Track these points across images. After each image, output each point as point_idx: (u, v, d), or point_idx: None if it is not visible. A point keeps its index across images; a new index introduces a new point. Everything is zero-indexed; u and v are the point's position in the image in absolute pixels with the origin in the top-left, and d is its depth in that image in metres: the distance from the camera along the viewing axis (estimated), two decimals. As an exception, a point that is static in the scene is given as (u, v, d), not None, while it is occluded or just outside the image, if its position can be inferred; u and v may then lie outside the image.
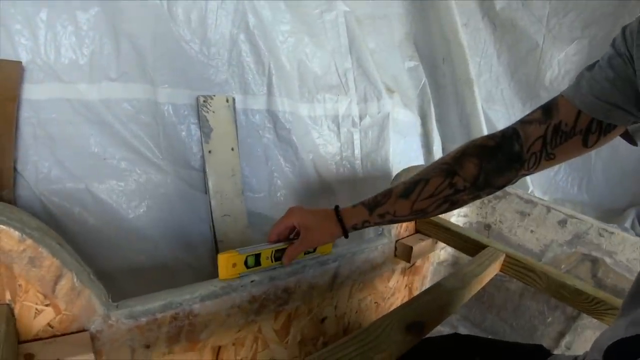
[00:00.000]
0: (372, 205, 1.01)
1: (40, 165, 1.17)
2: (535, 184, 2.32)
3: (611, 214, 2.25)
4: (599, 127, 0.78)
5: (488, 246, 1.38)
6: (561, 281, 1.25)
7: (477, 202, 1.83)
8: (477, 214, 1.88)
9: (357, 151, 1.96)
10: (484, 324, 1.94)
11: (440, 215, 1.48)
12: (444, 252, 1.90)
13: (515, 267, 1.36)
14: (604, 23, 1.96)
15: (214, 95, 1.45)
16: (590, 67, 0.77)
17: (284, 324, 1.20)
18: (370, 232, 1.98)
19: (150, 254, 1.37)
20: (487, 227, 1.88)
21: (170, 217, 1.40)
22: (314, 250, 1.15)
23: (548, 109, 0.83)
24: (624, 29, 0.70)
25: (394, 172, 1.95)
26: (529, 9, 2.11)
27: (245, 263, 1.01)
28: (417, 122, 2.34)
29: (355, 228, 1.05)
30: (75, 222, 1.24)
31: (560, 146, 0.82)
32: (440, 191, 0.92)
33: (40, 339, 0.77)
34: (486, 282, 1.26)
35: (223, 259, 0.98)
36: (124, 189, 1.31)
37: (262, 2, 1.53)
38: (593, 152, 2.07)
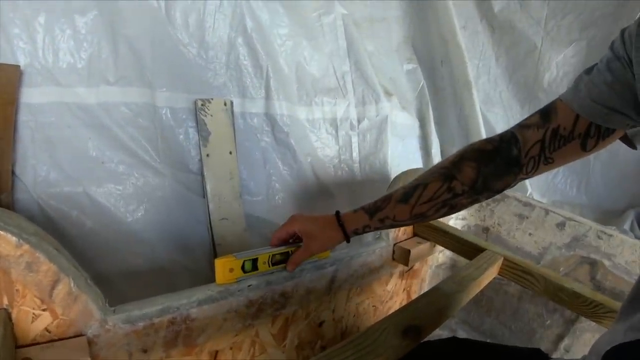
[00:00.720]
0: (372, 210, 1.01)
1: (38, 169, 1.17)
2: (533, 187, 2.32)
3: (610, 216, 2.25)
4: (597, 131, 0.78)
5: (486, 249, 1.37)
6: (559, 284, 1.25)
7: (476, 205, 1.82)
8: (476, 217, 1.88)
9: (355, 154, 1.96)
10: (482, 327, 1.93)
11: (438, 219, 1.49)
12: (442, 255, 1.90)
13: (513, 270, 1.35)
14: (603, 25, 1.96)
15: (212, 99, 1.45)
16: (589, 71, 0.77)
17: (282, 328, 1.20)
18: (368, 235, 1.98)
19: (148, 257, 1.37)
20: (486, 230, 1.88)
21: (168, 221, 1.40)
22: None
23: (546, 113, 0.83)
24: (622, 32, 0.69)
25: (393, 175, 1.94)
26: (527, 11, 2.11)
27: (243, 268, 1.01)
28: (416, 124, 2.34)
29: (356, 233, 1.05)
30: (73, 225, 1.24)
31: (559, 150, 0.82)
32: (438, 195, 0.93)
33: (38, 343, 0.77)
34: (484, 285, 1.26)
35: (220, 264, 0.98)
36: (122, 192, 1.31)
37: (260, 5, 1.53)
38: (592, 155, 2.07)
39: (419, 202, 0.94)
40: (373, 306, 1.52)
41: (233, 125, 1.50)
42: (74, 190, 1.23)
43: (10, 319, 0.74)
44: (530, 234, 1.77)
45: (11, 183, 1.13)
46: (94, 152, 1.26)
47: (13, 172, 1.13)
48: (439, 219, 1.46)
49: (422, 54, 2.32)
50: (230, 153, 1.49)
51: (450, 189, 0.92)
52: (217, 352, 1.05)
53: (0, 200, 1.08)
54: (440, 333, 1.79)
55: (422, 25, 2.25)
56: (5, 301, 0.73)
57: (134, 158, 1.33)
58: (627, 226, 2.15)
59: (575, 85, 0.79)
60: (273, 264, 1.07)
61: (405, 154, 2.22)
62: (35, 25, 1.13)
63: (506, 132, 0.89)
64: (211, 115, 1.44)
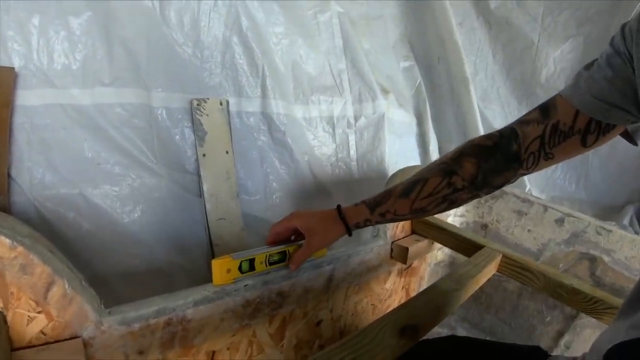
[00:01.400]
0: (373, 204, 1.01)
1: (34, 171, 1.17)
2: (532, 182, 2.32)
3: (609, 211, 2.25)
4: (597, 126, 0.77)
5: (485, 246, 1.37)
6: (558, 280, 1.25)
7: (474, 201, 1.82)
8: (474, 214, 1.87)
9: (352, 152, 1.96)
10: (482, 324, 1.93)
11: (436, 216, 1.49)
12: (440, 252, 1.89)
13: (512, 267, 1.35)
14: (599, 21, 1.96)
15: (208, 99, 1.45)
16: (589, 66, 0.77)
17: (279, 328, 1.19)
18: (366, 234, 1.98)
19: (145, 258, 1.37)
20: (484, 226, 1.87)
21: (165, 221, 1.40)
22: None
23: (546, 109, 0.82)
24: (623, 27, 0.69)
25: (390, 173, 1.93)
26: (524, 8, 2.11)
27: (240, 268, 1.01)
28: (413, 122, 2.34)
29: (357, 226, 1.05)
30: (70, 227, 1.23)
31: (559, 146, 0.82)
32: (438, 190, 0.93)
33: (33, 346, 0.77)
34: (483, 282, 1.26)
35: (217, 265, 0.97)
36: (118, 193, 1.31)
37: (255, 4, 1.53)
38: (591, 150, 2.06)
39: (419, 197, 0.94)
40: (371, 305, 1.52)
41: (229, 125, 1.50)
42: (70, 192, 1.23)
43: (5, 321, 0.73)
44: (529, 230, 1.76)
45: (7, 186, 1.12)
46: (89, 153, 1.25)
47: (9, 175, 1.13)
48: (437, 216, 1.48)
49: (418, 51, 2.32)
50: (227, 152, 1.48)
51: (450, 184, 0.92)
52: (214, 352, 1.05)
53: (-4, 203, 1.08)
54: (439, 331, 1.79)
55: (419, 22, 2.25)
56: (0, 304, 0.72)
57: (130, 159, 1.32)
58: (626, 221, 2.15)
59: (575, 81, 0.78)
60: (270, 264, 1.06)
61: (402, 151, 2.22)
62: (29, 27, 1.12)
63: (506, 127, 0.89)
64: (207, 115, 1.44)
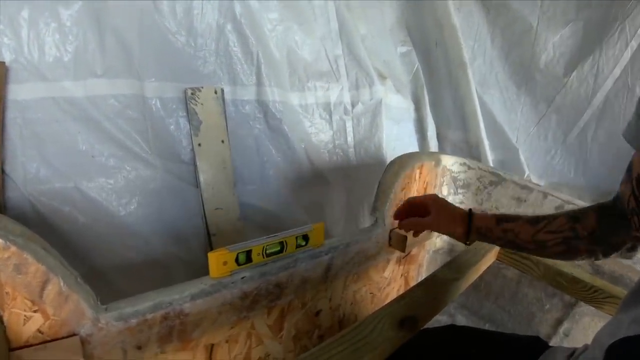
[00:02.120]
0: (502, 218, 1.01)
1: (28, 166, 1.17)
2: (531, 168, 2.30)
3: (608, 197, 2.24)
4: None
5: None
6: (558, 269, 1.25)
7: (472, 188, 1.82)
8: (472, 201, 1.86)
9: (350, 139, 1.95)
10: (481, 311, 1.93)
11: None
12: (439, 240, 1.89)
13: (511, 255, 1.35)
14: (598, 6, 1.93)
15: (202, 87, 1.44)
16: None
17: (277, 319, 1.19)
18: (363, 222, 1.98)
19: (142, 251, 1.37)
20: (483, 213, 1.86)
21: (161, 212, 1.39)
22: (306, 243, 1.14)
23: (629, 167, 0.82)
24: None
25: (388, 159, 1.93)
26: (523, -9, 2.09)
27: (237, 260, 1.00)
28: (411, 107, 2.33)
29: (478, 232, 1.03)
30: (66, 221, 1.24)
31: None
32: (562, 230, 0.93)
33: (31, 345, 0.76)
34: (482, 271, 1.25)
35: (213, 258, 0.96)
36: (114, 186, 1.31)
37: (248, -10, 1.51)
38: (589, 135, 2.06)
39: (544, 229, 0.94)
40: (370, 293, 1.51)
41: (225, 114, 1.49)
42: (64, 186, 1.23)
43: (2, 322, 0.73)
44: None
45: (1, 182, 1.12)
46: (83, 146, 1.25)
47: (3, 171, 1.14)
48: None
49: (416, 36, 2.31)
50: (223, 142, 1.47)
51: (572, 229, 0.92)
52: (212, 345, 1.04)
53: (-10, 199, 1.07)
54: (439, 318, 1.78)
55: (416, 6, 2.23)
56: (-4, 304, 0.72)
57: (125, 150, 1.32)
58: (625, 208, 2.13)
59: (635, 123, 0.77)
60: (267, 255, 1.05)
61: (400, 137, 2.21)
62: (19, 20, 1.11)
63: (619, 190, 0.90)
64: (202, 104, 1.43)
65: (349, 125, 1.94)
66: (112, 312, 0.83)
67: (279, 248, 1.08)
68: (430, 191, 1.62)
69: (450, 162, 1.75)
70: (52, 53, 1.17)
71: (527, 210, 1.75)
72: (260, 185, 1.64)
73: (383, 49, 2.17)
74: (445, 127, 2.45)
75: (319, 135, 1.83)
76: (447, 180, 1.76)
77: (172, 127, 1.40)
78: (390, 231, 1.42)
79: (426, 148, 2.39)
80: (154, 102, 1.36)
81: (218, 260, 0.96)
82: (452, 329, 1.15)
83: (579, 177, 2.24)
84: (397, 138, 2.18)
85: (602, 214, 0.90)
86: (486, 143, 2.30)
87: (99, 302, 0.82)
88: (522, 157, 2.28)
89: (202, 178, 1.42)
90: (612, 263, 1.51)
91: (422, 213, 1.11)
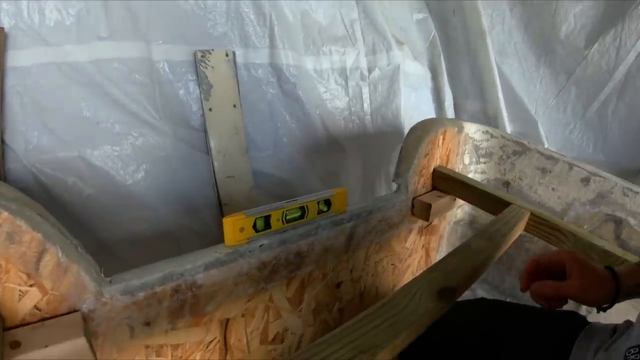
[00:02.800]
0: None
1: (29, 135, 1.13)
2: (550, 141, 2.28)
3: (628, 175, 2.18)
4: None
5: (511, 204, 1.30)
6: (589, 241, 1.18)
7: (495, 157, 1.75)
8: (495, 170, 1.80)
9: (366, 106, 1.90)
10: (502, 285, 1.88)
11: (458, 170, 1.40)
12: (460, 210, 1.83)
13: (540, 226, 1.28)
14: (621, -24, 1.89)
15: (213, 50, 1.38)
16: None
17: (297, 291, 1.13)
18: (381, 191, 1.93)
19: (151, 222, 1.34)
20: (506, 184, 1.80)
21: (170, 181, 1.36)
22: (328, 209, 1.07)
23: None
24: None
25: (406, 128, 1.90)
26: (544, -43, 2.04)
27: (254, 226, 0.93)
28: (428, 76, 2.29)
29: (628, 292, 0.85)
30: (70, 192, 1.20)
31: None
32: None
33: (28, 323, 0.69)
34: (512, 242, 1.17)
35: (229, 223, 0.89)
36: (120, 153, 1.27)
37: (262, -52, 1.45)
38: (609, 110, 2.03)
39: None
40: (392, 264, 1.46)
41: (236, 77, 1.44)
42: (68, 155, 1.19)
43: (-6, 298, 0.66)
44: (553, 189, 1.69)
45: (1, 153, 1.09)
46: (87, 113, 1.21)
47: (2, 141, 1.09)
48: (459, 171, 1.40)
49: (433, 2, 2.26)
50: (235, 106, 1.43)
51: None
52: (228, 320, 0.99)
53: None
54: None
55: (433, -28, 2.18)
56: (-14, 278, 0.64)
57: (131, 116, 1.28)
58: (647, 184, 2.09)
59: None
60: (287, 222, 0.99)
61: (418, 106, 2.18)
62: (18, -16, 1.07)
63: None
64: (212, 67, 1.37)
65: (366, 92, 1.89)
66: (117, 285, 0.75)
67: (299, 214, 1.00)
68: (452, 160, 1.55)
69: (472, 129, 1.68)
70: (53, 17, 1.12)
71: (552, 181, 1.68)
72: (274, 152, 1.59)
73: (399, 15, 2.12)
74: (463, 97, 2.40)
75: (335, 102, 1.78)
76: (468, 148, 1.69)
77: (181, 91, 1.35)
78: (414, 199, 1.36)
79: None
80: (161, 66, 1.31)
81: (234, 226, 0.89)
82: (483, 302, 1.11)
83: (598, 153, 2.22)
84: (414, 106, 2.13)
85: None
86: (505, 114, 2.25)
87: (102, 275, 0.75)
88: (541, 130, 2.23)
89: (213, 144, 1.38)
90: (639, 239, 1.48)
91: (553, 274, 0.89)
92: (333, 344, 0.59)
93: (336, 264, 1.21)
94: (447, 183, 1.45)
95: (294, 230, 1.01)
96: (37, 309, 0.69)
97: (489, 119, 2.29)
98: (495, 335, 0.95)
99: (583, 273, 0.82)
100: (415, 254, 1.58)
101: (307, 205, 1.01)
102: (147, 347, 0.85)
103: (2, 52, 1.05)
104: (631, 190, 1.51)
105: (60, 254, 0.67)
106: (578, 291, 0.81)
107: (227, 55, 1.41)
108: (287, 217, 0.98)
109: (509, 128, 2.27)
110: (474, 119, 2.34)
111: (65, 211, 1.19)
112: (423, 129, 1.35)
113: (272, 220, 0.95)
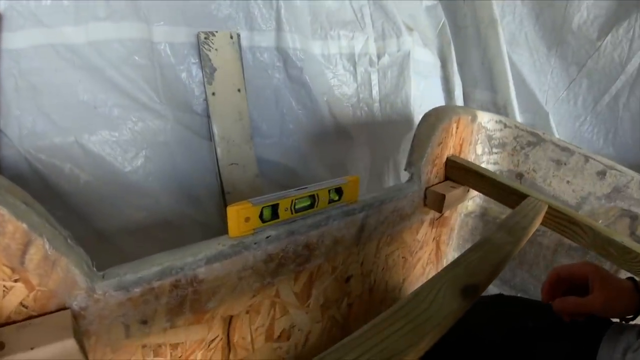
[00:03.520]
0: None
1: (23, 120, 1.11)
2: (560, 134, 2.27)
3: (638, 170, 2.16)
4: None
5: (528, 196, 1.25)
6: (608, 237, 1.14)
7: (508, 148, 1.70)
8: (509, 162, 1.76)
9: (375, 93, 1.87)
10: (513, 280, 1.85)
11: (471, 160, 1.35)
12: (472, 202, 1.80)
13: (557, 219, 1.23)
14: (635, -33, 1.89)
15: (217, 32, 1.35)
16: None
17: (305, 286, 1.08)
18: (389, 181, 1.90)
19: (151, 210, 1.31)
20: (519, 176, 1.75)
21: (171, 168, 1.34)
22: (339, 198, 1.01)
23: None
24: None
25: (416, 116, 1.87)
26: (556, -55, 2.05)
27: (261, 216, 0.87)
28: (437, 64, 2.27)
29: None
30: (67, 180, 1.17)
31: None
32: None
33: (13, 322, 0.63)
34: (530, 235, 1.12)
35: (233, 213, 0.83)
36: (118, 139, 1.24)
37: None
38: (621, 103, 2.02)
39: None
40: (402, 257, 1.42)
41: (241, 60, 1.41)
42: (64, 141, 1.17)
43: (-25, 295, 0.60)
44: (568, 182, 1.66)
45: None
46: (85, 96, 1.18)
47: None
48: (472, 161, 1.36)
49: (442, -11, 2.27)
50: (239, 91, 1.40)
51: None
52: (231, 317, 0.93)
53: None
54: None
55: (443, -43, 2.19)
56: (-34, 274, 0.59)
57: (131, 100, 1.25)
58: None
59: None
60: (296, 211, 0.93)
61: (428, 94, 2.15)
62: (12, -38, 1.04)
63: None
64: (216, 50, 1.34)
65: (375, 78, 1.86)
66: (111, 280, 0.69)
67: (309, 202, 0.94)
68: (465, 149, 1.51)
69: (485, 119, 1.63)
70: (50, -4, 1.09)
71: (567, 174, 1.63)
72: (279, 139, 1.57)
73: (408, 1, 2.10)
74: (472, 86, 2.39)
75: (342, 88, 1.75)
76: (481, 138, 1.65)
77: (183, 74, 1.32)
78: (426, 189, 1.32)
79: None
80: (163, 48, 1.28)
81: (239, 216, 0.83)
82: (501, 298, 1.08)
83: (608, 147, 2.23)
84: (424, 95, 2.11)
85: None
86: (515, 105, 2.24)
87: (94, 269, 0.69)
88: (552, 122, 2.24)
89: (216, 130, 1.34)
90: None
91: (575, 285, 0.88)
92: (353, 349, 0.53)
93: (346, 256, 1.16)
94: (461, 173, 1.40)
95: (303, 220, 0.95)
96: (23, 306, 0.63)
97: (499, 109, 2.29)
98: (518, 333, 0.94)
99: (605, 286, 0.82)
100: (426, 247, 1.54)
101: (317, 194, 0.95)
102: (144, 346, 0.80)
103: (-4, 34, 1.02)
104: (648, 185, 1.47)
105: (47, 246, 0.61)
106: (601, 307, 0.81)
107: (231, 37, 1.38)
108: (296, 207, 0.92)
109: (519, 119, 2.26)
110: (483, 109, 2.30)
111: (61, 200, 1.17)
112: (437, 116, 1.30)
113: (280, 210, 0.89)
